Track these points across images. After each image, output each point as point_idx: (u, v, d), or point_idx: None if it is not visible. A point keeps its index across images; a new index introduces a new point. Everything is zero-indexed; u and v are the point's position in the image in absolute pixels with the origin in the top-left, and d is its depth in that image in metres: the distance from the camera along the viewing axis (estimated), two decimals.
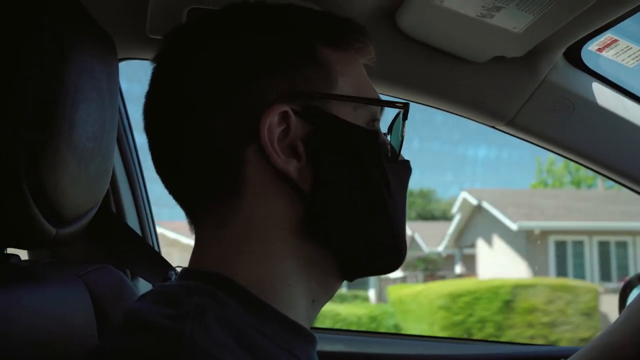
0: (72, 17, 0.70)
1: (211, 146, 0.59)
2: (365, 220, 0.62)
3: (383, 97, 0.68)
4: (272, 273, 0.59)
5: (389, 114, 0.70)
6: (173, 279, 0.96)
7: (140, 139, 1.31)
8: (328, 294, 0.66)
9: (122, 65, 1.19)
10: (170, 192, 0.65)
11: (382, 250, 0.64)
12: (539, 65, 1.09)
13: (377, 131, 0.65)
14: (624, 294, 1.76)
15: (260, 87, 0.59)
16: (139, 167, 1.29)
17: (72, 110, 0.65)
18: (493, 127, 1.19)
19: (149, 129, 0.65)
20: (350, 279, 0.66)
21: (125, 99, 1.26)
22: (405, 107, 0.67)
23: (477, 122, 1.18)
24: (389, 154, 0.66)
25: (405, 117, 0.68)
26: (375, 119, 0.65)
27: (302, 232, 0.60)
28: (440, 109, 1.16)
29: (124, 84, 1.25)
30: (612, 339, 0.83)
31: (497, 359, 1.35)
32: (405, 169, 0.69)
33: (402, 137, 0.68)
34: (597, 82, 1.16)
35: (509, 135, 1.22)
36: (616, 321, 0.85)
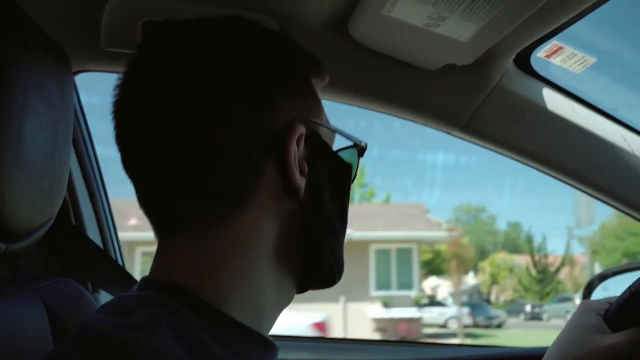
0: (20, 32, 0.70)
1: (220, 158, 0.59)
2: (336, 238, 0.67)
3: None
4: (249, 284, 0.60)
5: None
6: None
7: (102, 151, 1.32)
8: (288, 304, 0.68)
9: (81, 78, 1.19)
10: (146, 202, 0.63)
11: (340, 266, 0.69)
12: (490, 72, 1.13)
13: (350, 164, 0.71)
14: (584, 296, 1.81)
15: (279, 105, 0.62)
16: (100, 180, 1.29)
17: (20, 127, 0.65)
18: (448, 133, 1.22)
19: (125, 137, 0.63)
20: (303, 291, 0.69)
21: (85, 112, 1.26)
22: (363, 150, 0.73)
23: (433, 128, 1.20)
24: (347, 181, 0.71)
25: (360, 156, 0.73)
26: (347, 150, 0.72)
27: (288, 245, 0.63)
28: (396, 116, 1.18)
29: (83, 97, 1.25)
30: None
31: None
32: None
33: (355, 174, 0.74)
34: (547, 88, 1.20)
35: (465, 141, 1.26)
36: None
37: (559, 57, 1.09)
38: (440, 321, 21.63)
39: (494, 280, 33.01)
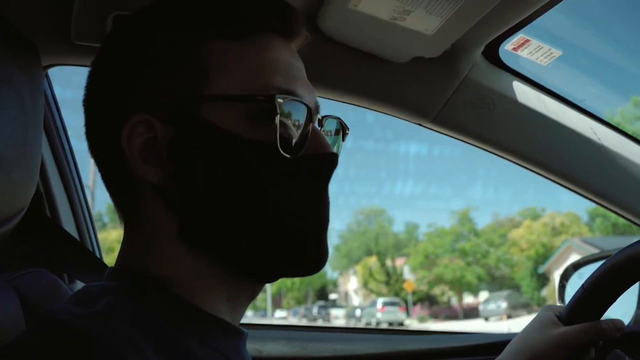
0: None
1: (107, 153, 0.65)
2: (239, 222, 0.59)
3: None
4: (183, 275, 0.60)
5: None
6: None
7: (77, 145, 1.32)
8: (244, 294, 0.64)
9: (55, 72, 1.20)
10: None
11: (274, 250, 0.61)
12: (459, 64, 1.14)
13: (239, 133, 0.59)
14: (561, 284, 1.84)
15: (124, 93, 0.62)
16: (75, 172, 1.29)
17: None
18: (420, 124, 1.23)
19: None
20: (262, 280, 0.64)
21: (59, 104, 1.27)
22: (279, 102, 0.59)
23: (404, 120, 1.22)
24: (281, 149, 0.59)
25: (309, 116, 0.61)
26: (265, 113, 0.59)
27: (185, 240, 0.60)
28: (367, 108, 1.20)
29: (57, 90, 1.26)
30: None
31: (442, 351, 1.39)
32: (312, 161, 0.62)
33: (308, 130, 0.62)
34: (516, 80, 1.22)
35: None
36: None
37: (526, 49, 1.11)
38: None
39: (365, 283, 33.47)
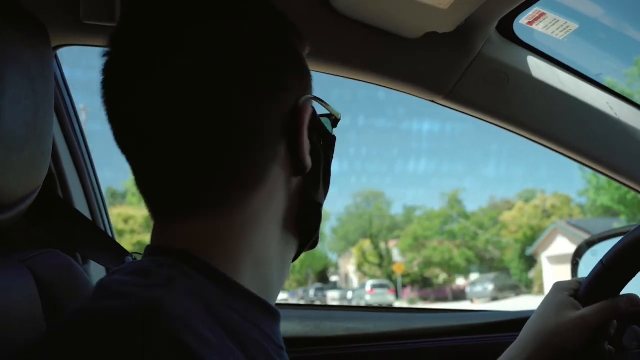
0: None
1: (238, 137, 0.59)
2: (321, 208, 0.69)
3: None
4: (258, 258, 0.62)
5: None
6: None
7: (91, 126, 1.32)
8: (288, 275, 0.70)
9: (64, 52, 1.19)
10: (152, 181, 0.61)
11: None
12: (473, 39, 1.13)
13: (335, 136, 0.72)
14: (574, 261, 1.83)
15: (290, 84, 0.63)
16: (87, 153, 1.29)
17: None
18: (432, 101, 1.22)
19: (130, 116, 0.60)
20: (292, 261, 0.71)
21: (69, 85, 1.26)
22: (337, 120, 0.72)
23: (417, 97, 1.20)
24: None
25: (334, 126, 0.72)
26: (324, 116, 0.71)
27: (292, 219, 0.65)
28: (379, 85, 1.19)
29: (66, 70, 1.25)
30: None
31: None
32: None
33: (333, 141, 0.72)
34: (531, 55, 1.20)
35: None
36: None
37: (541, 23, 1.09)
38: None
39: (359, 265, 33.59)
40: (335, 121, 0.72)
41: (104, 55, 0.61)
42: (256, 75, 0.59)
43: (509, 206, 32.90)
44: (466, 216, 33.80)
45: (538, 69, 1.18)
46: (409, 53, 1.13)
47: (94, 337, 0.47)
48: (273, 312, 0.63)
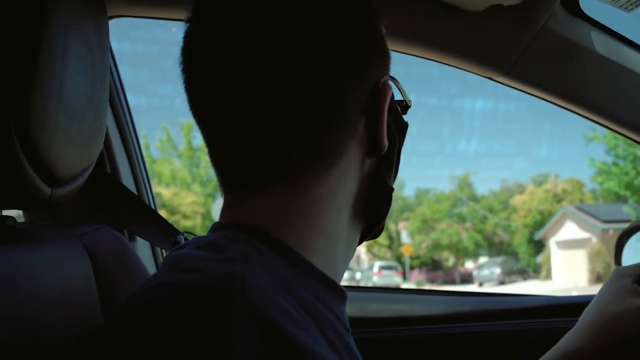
0: None
1: (323, 111, 0.57)
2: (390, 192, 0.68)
3: None
4: (327, 238, 0.61)
5: None
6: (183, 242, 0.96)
7: (133, 100, 1.29)
8: (350, 260, 0.69)
9: (111, 24, 1.17)
10: (229, 155, 0.60)
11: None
12: (537, 13, 1.08)
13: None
14: (619, 247, 1.79)
15: (374, 63, 0.62)
16: (132, 128, 1.27)
17: (62, 68, 0.64)
18: (490, 78, 1.18)
19: (214, 88, 0.58)
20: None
21: (116, 58, 1.24)
22: (407, 107, 0.71)
23: (474, 73, 1.16)
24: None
25: (404, 112, 0.70)
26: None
27: (362, 201, 0.64)
28: (437, 61, 1.15)
29: (114, 44, 1.22)
30: (572, 347, 0.85)
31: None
32: None
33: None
34: (596, 31, 1.15)
35: (505, 87, 1.21)
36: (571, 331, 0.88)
37: None
38: None
39: (369, 247, 33.58)
40: (405, 107, 0.70)
41: (187, 21, 0.59)
42: (351, 51, 0.58)
43: (521, 190, 32.62)
44: (476, 199, 33.58)
45: (604, 45, 1.13)
46: (470, 27, 1.09)
47: (177, 310, 0.46)
48: (342, 294, 0.62)
